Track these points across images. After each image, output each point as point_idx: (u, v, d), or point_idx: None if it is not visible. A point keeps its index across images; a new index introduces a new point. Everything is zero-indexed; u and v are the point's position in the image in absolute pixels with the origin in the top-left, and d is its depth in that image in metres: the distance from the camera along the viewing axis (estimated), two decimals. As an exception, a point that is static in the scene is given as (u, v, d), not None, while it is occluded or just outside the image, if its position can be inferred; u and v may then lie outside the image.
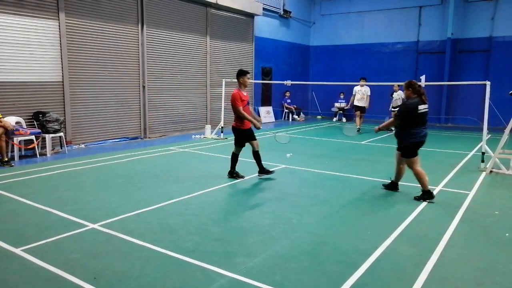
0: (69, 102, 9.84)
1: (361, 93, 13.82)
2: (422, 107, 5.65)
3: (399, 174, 6.17)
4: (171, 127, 12.86)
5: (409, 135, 5.70)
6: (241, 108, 6.59)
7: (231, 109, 6.77)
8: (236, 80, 6.88)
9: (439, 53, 16.76)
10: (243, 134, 6.79)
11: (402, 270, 3.61)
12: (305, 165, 7.99)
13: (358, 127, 13.65)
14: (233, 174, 6.96)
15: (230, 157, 6.98)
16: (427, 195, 5.76)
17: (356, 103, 13.97)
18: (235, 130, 6.83)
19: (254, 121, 6.77)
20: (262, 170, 6.94)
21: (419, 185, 5.82)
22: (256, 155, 6.83)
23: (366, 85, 13.83)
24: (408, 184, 6.40)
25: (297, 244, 4.16)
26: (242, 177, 6.93)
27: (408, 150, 5.77)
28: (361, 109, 13.96)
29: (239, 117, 6.68)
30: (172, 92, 12.76)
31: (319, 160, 8.60)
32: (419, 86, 5.79)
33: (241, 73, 6.79)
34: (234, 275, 3.44)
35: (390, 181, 6.38)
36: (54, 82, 9.52)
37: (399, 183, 6.30)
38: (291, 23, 18.59)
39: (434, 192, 6.12)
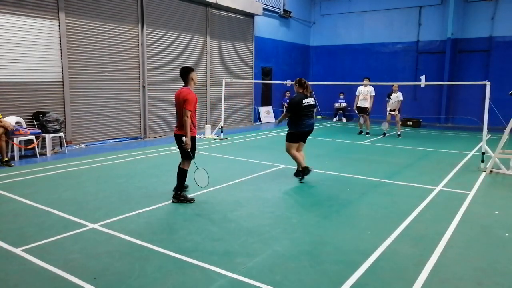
0: (69, 102, 9.84)
1: (364, 94, 12.98)
2: (307, 101, 6.68)
3: (298, 160, 6.79)
4: (171, 127, 12.84)
5: (298, 125, 6.68)
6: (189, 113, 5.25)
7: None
8: (181, 78, 5.46)
9: (439, 53, 16.75)
10: (195, 143, 5.56)
11: (402, 270, 3.61)
12: (305, 165, 7.99)
13: (361, 129, 13.50)
14: (182, 197, 5.56)
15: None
16: (306, 170, 6.71)
17: (358, 104, 13.10)
18: (191, 138, 5.35)
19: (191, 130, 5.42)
20: (177, 196, 5.54)
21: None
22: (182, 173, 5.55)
23: (370, 85, 13.04)
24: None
25: (297, 244, 4.16)
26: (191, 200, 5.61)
27: (292, 136, 6.72)
28: (363, 110, 13.06)
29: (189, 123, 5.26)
30: (172, 92, 12.71)
31: (319, 160, 8.58)
32: (305, 82, 6.85)
33: (191, 69, 5.45)
34: (234, 275, 3.44)
35: (296, 170, 6.98)
36: (54, 82, 9.52)
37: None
38: (291, 23, 18.59)
39: (434, 192, 6.16)
